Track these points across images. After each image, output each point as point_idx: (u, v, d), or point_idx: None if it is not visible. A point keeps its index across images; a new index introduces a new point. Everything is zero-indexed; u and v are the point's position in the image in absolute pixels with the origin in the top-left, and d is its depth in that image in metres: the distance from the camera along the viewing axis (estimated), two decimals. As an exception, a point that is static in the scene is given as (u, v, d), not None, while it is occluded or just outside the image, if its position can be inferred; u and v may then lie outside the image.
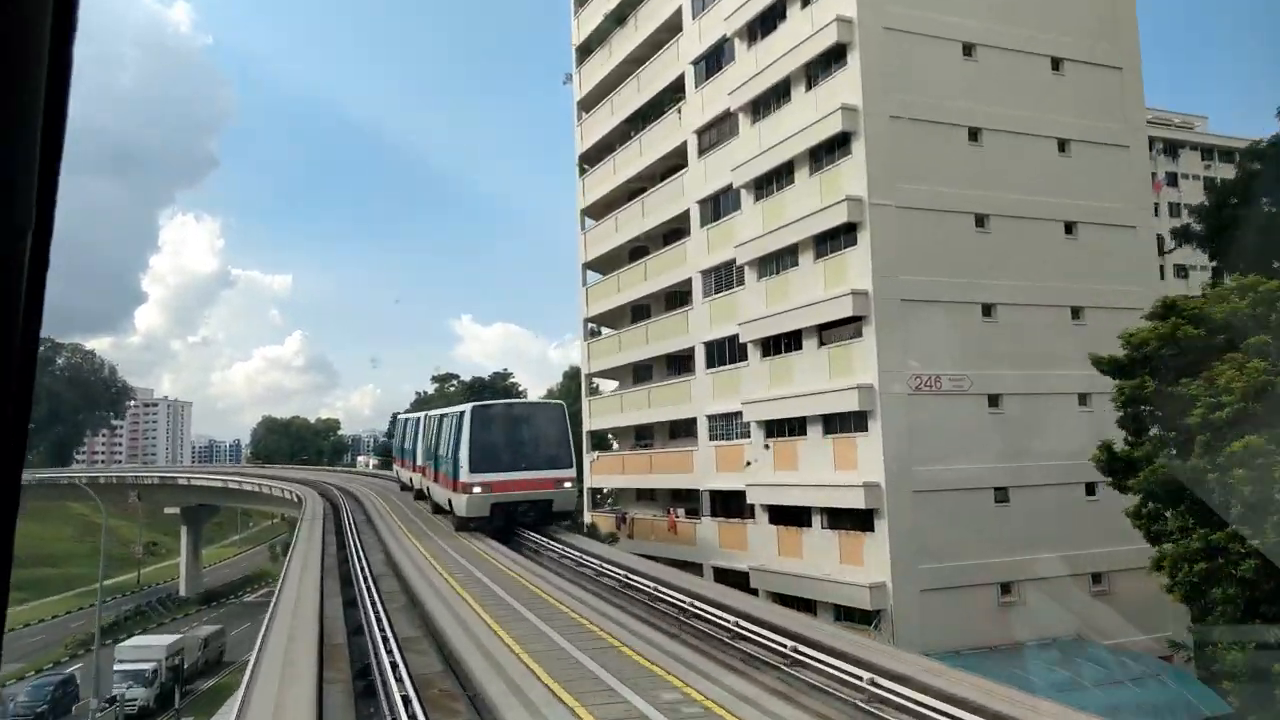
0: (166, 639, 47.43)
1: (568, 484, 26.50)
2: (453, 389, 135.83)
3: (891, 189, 26.64)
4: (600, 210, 45.14)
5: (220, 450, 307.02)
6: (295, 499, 50.49)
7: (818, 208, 27.97)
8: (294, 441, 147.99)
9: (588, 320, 46.20)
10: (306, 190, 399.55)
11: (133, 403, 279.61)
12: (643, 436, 44.42)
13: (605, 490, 47.32)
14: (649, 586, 17.45)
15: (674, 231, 38.53)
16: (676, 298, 38.95)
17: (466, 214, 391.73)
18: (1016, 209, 28.29)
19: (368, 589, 17.22)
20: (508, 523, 26.03)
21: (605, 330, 46.59)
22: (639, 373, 42.92)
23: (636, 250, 42.44)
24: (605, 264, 45.15)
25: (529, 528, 26.11)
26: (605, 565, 20.05)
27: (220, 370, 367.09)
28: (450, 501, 28.04)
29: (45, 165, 1.17)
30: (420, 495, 37.08)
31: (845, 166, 27.44)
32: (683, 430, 37.56)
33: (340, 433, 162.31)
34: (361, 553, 22.25)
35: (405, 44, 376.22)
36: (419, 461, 36.24)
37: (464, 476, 25.55)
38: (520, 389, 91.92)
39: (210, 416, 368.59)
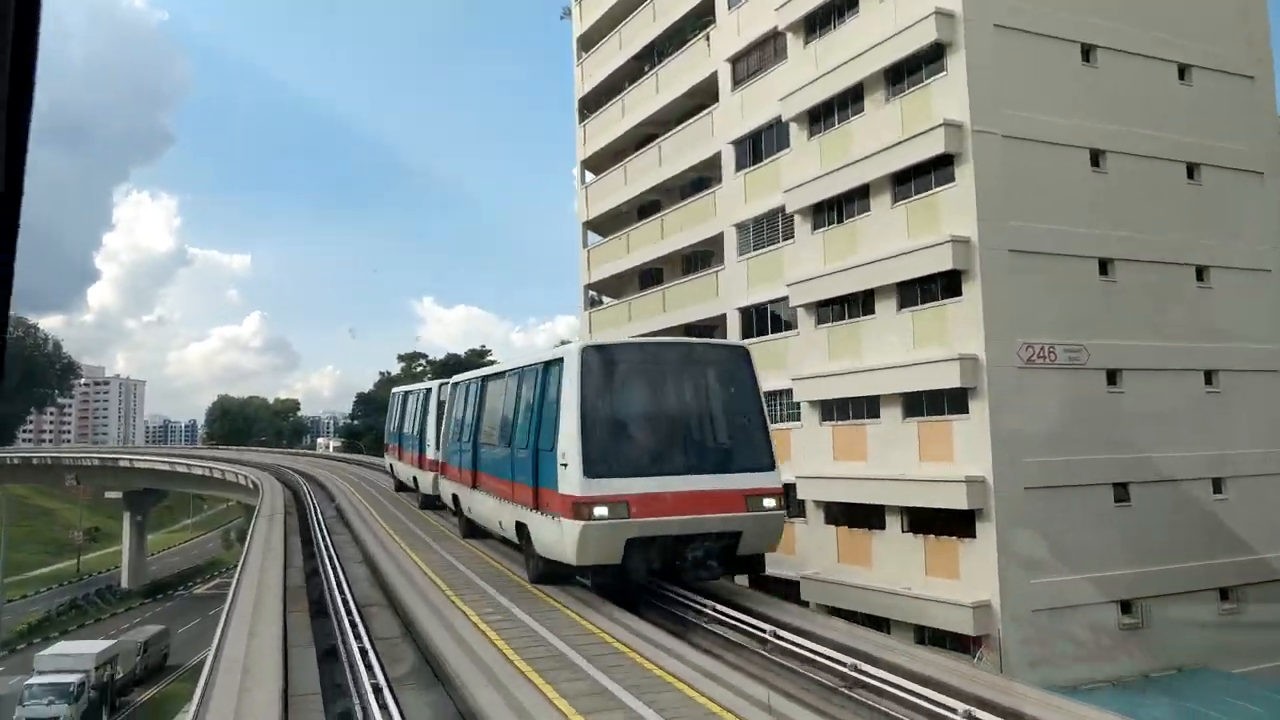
0: (96, 646, 41.30)
1: (770, 502, 13.88)
2: (421, 369, 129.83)
3: (997, 114, 21.48)
4: (604, 161, 39.58)
5: (176, 430, 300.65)
6: (251, 485, 44.55)
7: (898, 139, 22.75)
8: (251, 422, 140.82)
9: (588, 287, 40.68)
10: (266, 169, 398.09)
11: (82, 381, 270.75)
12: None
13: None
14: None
15: (698, 182, 33.13)
16: (696, 260, 33.59)
17: (429, 195, 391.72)
18: (1135, 145, 23.29)
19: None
20: (657, 572, 13.85)
21: (608, 300, 41.09)
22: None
23: (648, 207, 37.00)
24: (609, 224, 39.67)
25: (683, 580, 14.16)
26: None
27: (176, 350, 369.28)
28: (531, 531, 14.83)
29: (12, 137, 1.15)
30: (430, 504, 26.03)
31: (937, 87, 22.20)
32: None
33: (300, 414, 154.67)
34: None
35: (367, 21, 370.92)
36: (442, 455, 23.53)
37: (571, 485, 13.02)
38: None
39: (166, 397, 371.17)
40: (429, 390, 27.32)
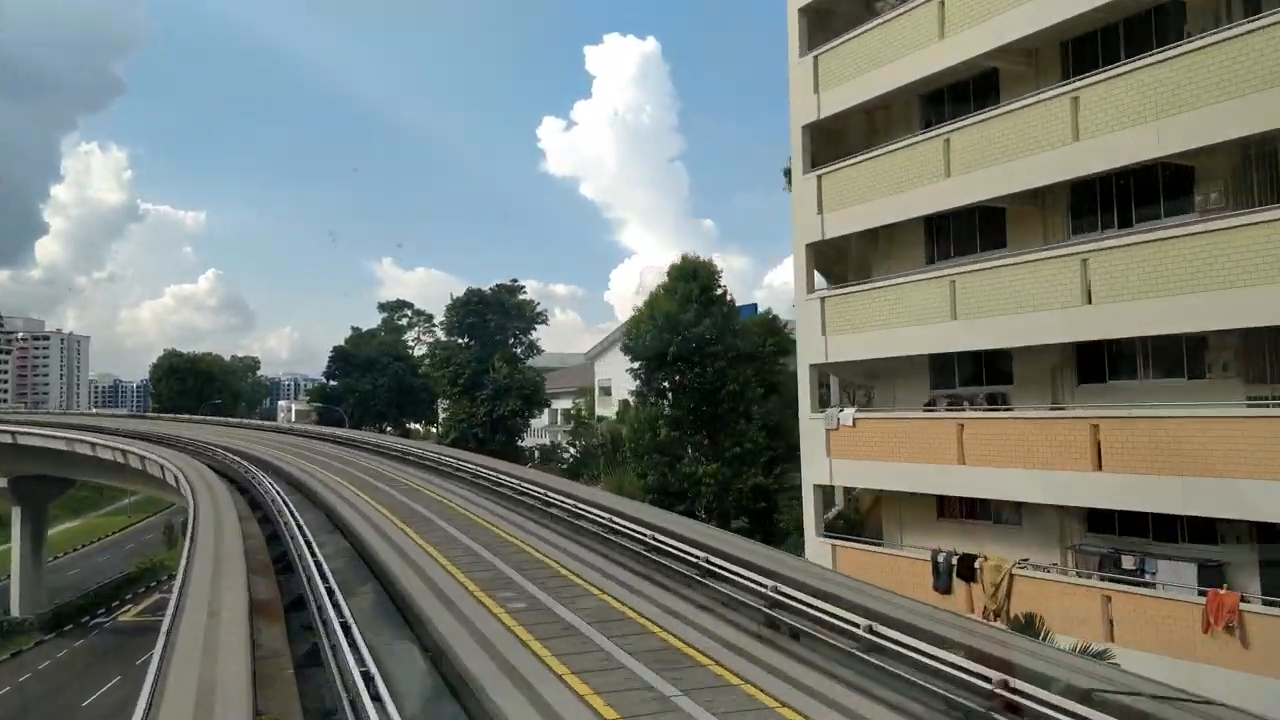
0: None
1: None
2: (405, 320, 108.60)
3: None
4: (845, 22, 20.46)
5: (127, 391, 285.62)
6: (171, 479, 24.02)
7: None
8: (203, 382, 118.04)
9: (812, 247, 22.01)
10: (221, 123, 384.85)
11: (18, 335, 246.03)
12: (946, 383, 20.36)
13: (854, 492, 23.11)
14: None
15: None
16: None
17: (389, 153, 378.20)
18: None
19: None
20: None
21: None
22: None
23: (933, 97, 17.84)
24: (848, 136, 20.78)
25: None
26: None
27: (129, 308, 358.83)
28: None
29: None
30: None
31: None
32: (1091, 368, 18.38)
33: (259, 373, 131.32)
34: None
35: None
36: None
37: None
38: (536, 304, 65.69)
39: (118, 355, 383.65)
40: None
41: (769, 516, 32.34)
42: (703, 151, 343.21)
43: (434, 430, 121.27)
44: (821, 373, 24.57)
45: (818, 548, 23.21)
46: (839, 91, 23.33)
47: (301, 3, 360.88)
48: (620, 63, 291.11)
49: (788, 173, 27.21)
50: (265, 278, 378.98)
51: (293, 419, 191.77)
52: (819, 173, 23.54)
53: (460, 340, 65.48)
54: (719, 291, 35.21)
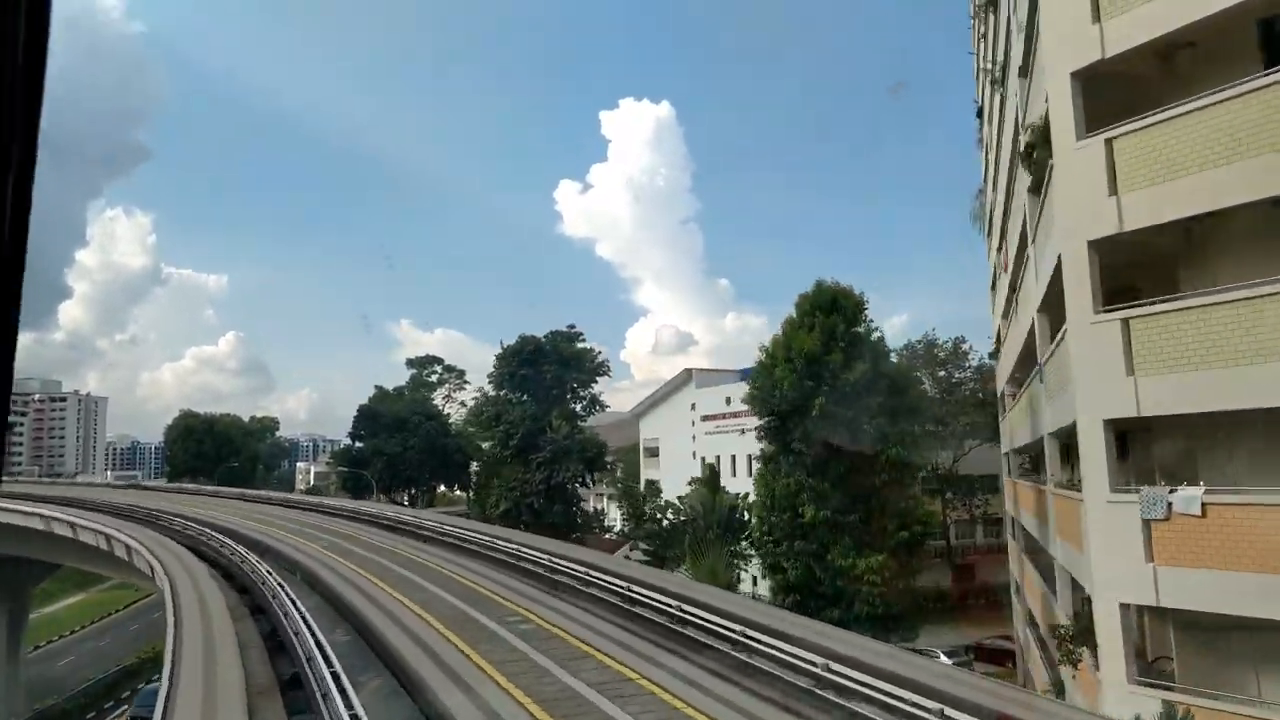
0: None
1: None
2: (434, 376, 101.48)
3: None
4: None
5: (144, 453, 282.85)
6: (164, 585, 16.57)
7: None
8: (220, 444, 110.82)
9: (1098, 244, 13.61)
10: (243, 188, 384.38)
11: (36, 397, 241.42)
12: None
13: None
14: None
15: None
16: None
17: (408, 216, 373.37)
18: None
19: None
20: None
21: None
22: None
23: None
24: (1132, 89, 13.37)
25: None
26: None
27: (150, 370, 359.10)
28: None
29: (18, 203, 1.17)
30: None
31: None
32: None
33: (279, 434, 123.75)
34: None
35: (349, 40, 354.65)
36: None
37: None
38: (597, 353, 55.63)
39: (138, 418, 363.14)
40: None
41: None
42: (716, 211, 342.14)
43: (466, 495, 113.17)
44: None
45: (1126, 697, 15.00)
46: (1135, 17, 15.76)
47: (320, 69, 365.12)
48: (635, 126, 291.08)
49: (977, 122, 19.36)
50: (284, 339, 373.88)
51: (311, 481, 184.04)
52: (1112, 132, 15.79)
53: (510, 396, 55.73)
54: (863, 329, 27.26)
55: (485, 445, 52.85)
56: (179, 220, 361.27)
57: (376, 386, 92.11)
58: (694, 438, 65.33)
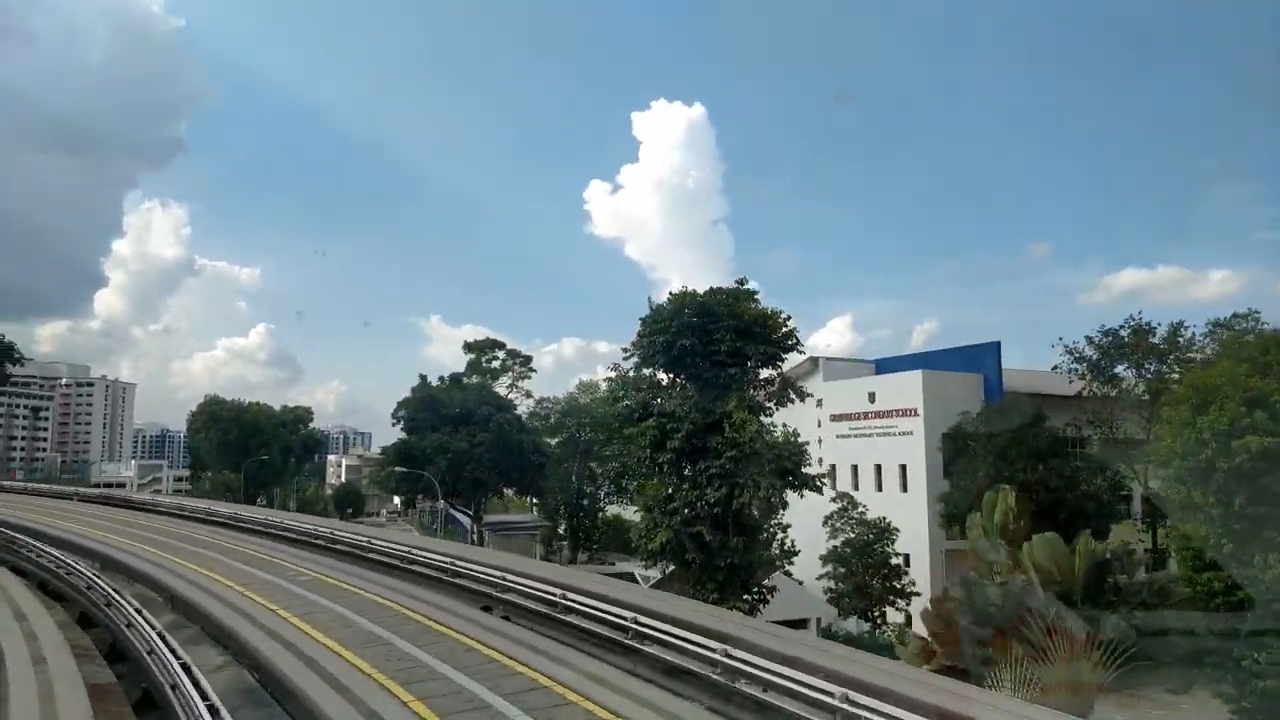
0: None
1: None
2: (497, 362, 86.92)
3: None
4: None
5: (174, 441, 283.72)
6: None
7: None
8: (249, 435, 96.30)
9: None
10: (277, 182, 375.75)
11: (63, 382, 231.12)
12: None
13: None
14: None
15: None
16: None
17: (437, 213, 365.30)
18: None
19: None
20: None
21: None
22: None
23: None
24: None
25: None
26: None
27: (181, 360, 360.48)
28: None
29: None
30: None
31: None
32: None
33: (312, 425, 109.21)
34: None
35: (384, 36, 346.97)
36: None
37: None
38: (786, 317, 35.89)
39: (169, 406, 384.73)
40: None
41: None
42: (746, 213, 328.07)
43: (530, 502, 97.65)
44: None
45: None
46: None
47: (354, 67, 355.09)
48: (667, 127, 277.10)
49: None
50: (314, 332, 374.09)
51: (342, 476, 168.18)
52: None
53: (660, 377, 37.52)
54: None
55: (627, 445, 36.64)
56: (213, 213, 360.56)
57: (421, 375, 78.16)
58: (819, 440, 53.45)
